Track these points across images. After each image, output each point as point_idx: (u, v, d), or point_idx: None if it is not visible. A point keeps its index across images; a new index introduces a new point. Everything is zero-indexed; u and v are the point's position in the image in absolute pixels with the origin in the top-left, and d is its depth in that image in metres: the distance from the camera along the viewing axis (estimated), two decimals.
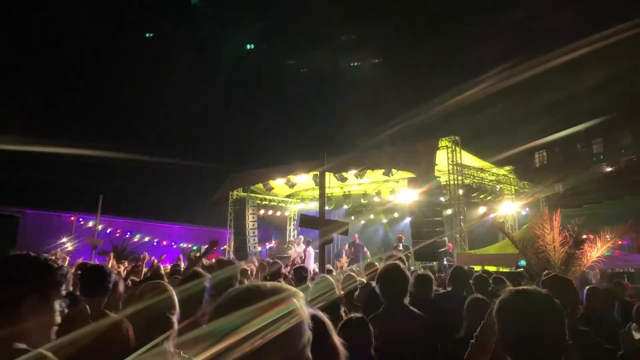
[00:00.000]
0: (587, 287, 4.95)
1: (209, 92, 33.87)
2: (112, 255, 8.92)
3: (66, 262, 8.69)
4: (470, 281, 5.07)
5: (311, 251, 14.70)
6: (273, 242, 20.88)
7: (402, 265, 3.36)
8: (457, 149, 13.31)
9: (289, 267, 8.92)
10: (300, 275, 5.51)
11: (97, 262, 8.99)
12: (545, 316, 1.57)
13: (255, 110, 36.37)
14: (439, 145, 13.11)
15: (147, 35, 38.00)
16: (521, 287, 1.71)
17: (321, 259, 5.86)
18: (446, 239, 12.71)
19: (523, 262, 9.81)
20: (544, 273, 3.48)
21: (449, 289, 5.08)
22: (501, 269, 10.84)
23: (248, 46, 40.12)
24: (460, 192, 13.56)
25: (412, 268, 11.31)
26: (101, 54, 32.28)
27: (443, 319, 3.39)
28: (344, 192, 18.22)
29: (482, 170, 15.28)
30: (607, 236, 8.89)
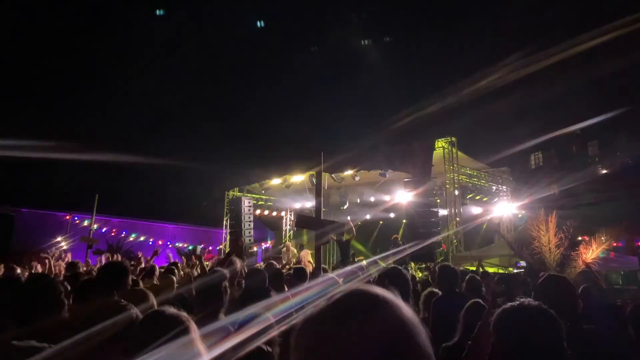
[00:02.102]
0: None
1: (206, 92, 33.79)
2: (108, 255, 8.84)
3: (67, 260, 8.63)
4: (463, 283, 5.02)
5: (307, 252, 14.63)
6: (269, 242, 20.86)
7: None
8: (454, 150, 13.35)
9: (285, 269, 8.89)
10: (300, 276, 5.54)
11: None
12: (542, 331, 1.59)
13: (252, 109, 36.30)
14: (436, 146, 13.14)
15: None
16: (517, 302, 1.73)
17: (317, 260, 5.84)
18: (442, 239, 12.74)
19: (523, 263, 9.84)
20: (540, 275, 3.48)
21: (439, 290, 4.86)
22: (500, 270, 10.88)
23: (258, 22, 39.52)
24: (456, 193, 13.58)
25: (410, 270, 11.34)
26: (99, 53, 32.15)
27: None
28: (340, 192, 18.21)
29: (478, 171, 15.32)
30: (602, 238, 8.95)
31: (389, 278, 3.16)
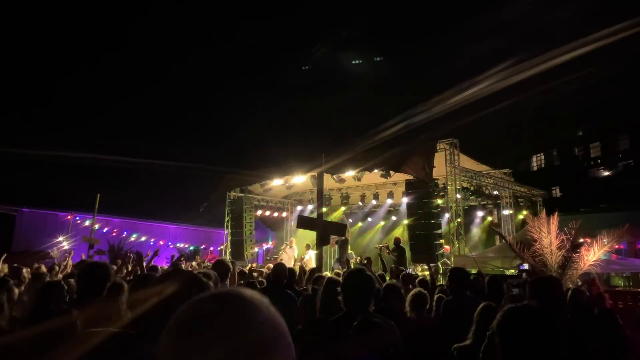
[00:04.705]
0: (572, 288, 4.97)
1: (207, 93, 33.88)
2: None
3: (69, 259, 8.60)
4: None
5: (311, 252, 14.61)
6: (270, 243, 20.85)
7: (367, 271, 3.03)
8: (456, 151, 13.32)
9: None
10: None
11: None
12: (545, 334, 1.62)
13: (253, 110, 36.38)
14: (437, 148, 13.12)
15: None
16: (521, 304, 1.77)
17: (318, 260, 5.84)
18: (443, 241, 12.71)
19: (526, 265, 9.81)
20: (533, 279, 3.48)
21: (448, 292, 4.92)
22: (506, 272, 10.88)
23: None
24: (458, 195, 13.56)
25: (409, 270, 11.32)
26: (99, 57, 32.26)
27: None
28: (342, 193, 18.19)
29: (480, 173, 15.30)
30: (604, 240, 8.91)
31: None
